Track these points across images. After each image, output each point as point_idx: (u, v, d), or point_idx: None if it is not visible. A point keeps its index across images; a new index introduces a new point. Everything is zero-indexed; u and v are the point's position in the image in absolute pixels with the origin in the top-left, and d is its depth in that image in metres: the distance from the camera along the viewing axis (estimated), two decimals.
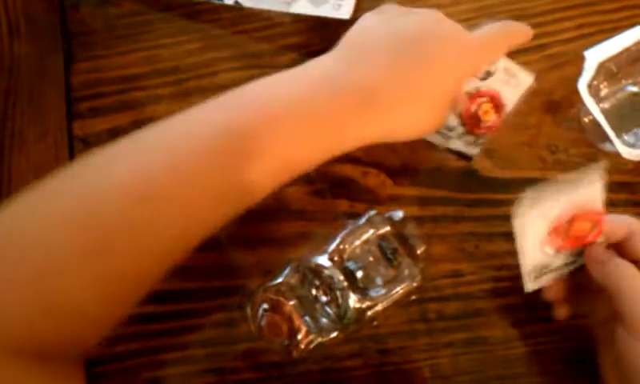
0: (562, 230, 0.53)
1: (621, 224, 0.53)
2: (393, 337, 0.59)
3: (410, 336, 0.59)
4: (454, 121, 0.62)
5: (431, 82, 0.51)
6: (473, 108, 0.62)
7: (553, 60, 0.65)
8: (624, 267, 0.51)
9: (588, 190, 0.52)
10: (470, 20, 0.66)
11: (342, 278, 0.53)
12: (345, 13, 0.63)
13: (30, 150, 0.62)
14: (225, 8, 0.65)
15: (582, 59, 0.60)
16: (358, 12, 0.65)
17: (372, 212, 0.58)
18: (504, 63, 0.62)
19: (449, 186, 0.62)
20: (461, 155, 0.62)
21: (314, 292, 0.55)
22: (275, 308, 0.54)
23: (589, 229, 0.53)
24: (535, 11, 0.66)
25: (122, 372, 0.57)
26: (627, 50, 0.61)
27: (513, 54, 0.64)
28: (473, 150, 0.61)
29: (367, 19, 0.55)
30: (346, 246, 0.56)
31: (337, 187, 0.62)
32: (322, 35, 0.65)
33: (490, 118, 0.61)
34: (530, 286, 0.56)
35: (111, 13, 0.66)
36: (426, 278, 0.58)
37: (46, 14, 0.65)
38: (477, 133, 0.62)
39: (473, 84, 0.62)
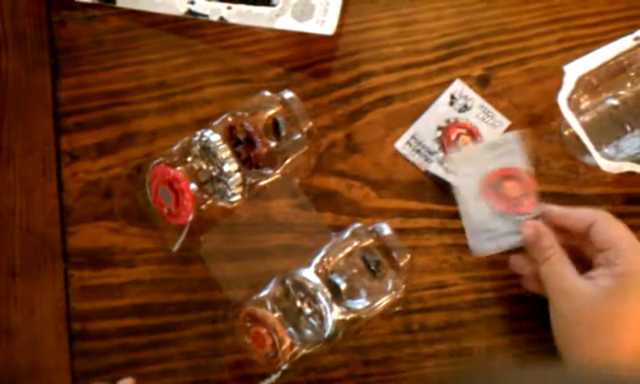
0: (493, 186, 0.58)
1: (582, 217, 0.55)
2: (377, 348, 0.59)
3: (394, 347, 0.59)
4: (435, 145, 0.63)
5: None
6: (452, 136, 0.64)
7: (533, 74, 0.66)
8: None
9: (509, 157, 0.58)
10: (452, 34, 0.67)
11: (325, 290, 0.54)
12: (328, 28, 0.64)
13: (17, 164, 0.62)
14: (210, 24, 0.66)
15: (562, 73, 0.61)
16: (342, 27, 0.66)
17: (356, 224, 0.58)
18: (479, 101, 0.63)
19: (431, 199, 0.62)
20: (440, 183, 0.63)
21: (298, 304, 0.55)
22: (260, 320, 0.54)
23: (520, 192, 0.58)
24: (516, 26, 0.67)
25: None
26: (607, 63, 0.62)
27: (493, 67, 0.66)
28: (453, 180, 0.63)
29: None
30: (330, 259, 0.56)
31: (321, 200, 0.62)
32: (306, 50, 0.66)
33: None
34: (471, 242, 0.59)
35: (98, 28, 0.66)
36: (410, 290, 0.58)
37: (33, 30, 0.66)
38: None
39: (451, 114, 0.63)
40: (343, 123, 0.64)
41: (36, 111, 0.64)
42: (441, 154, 0.63)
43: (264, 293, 0.56)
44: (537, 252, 0.55)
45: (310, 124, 0.60)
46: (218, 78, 0.65)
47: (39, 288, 0.60)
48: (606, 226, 0.54)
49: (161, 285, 0.60)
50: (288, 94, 0.60)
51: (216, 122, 0.58)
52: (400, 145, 0.64)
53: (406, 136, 0.64)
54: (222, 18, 0.66)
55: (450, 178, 0.62)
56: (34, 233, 0.61)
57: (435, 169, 0.63)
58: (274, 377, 0.55)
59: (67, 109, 0.64)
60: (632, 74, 0.64)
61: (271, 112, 0.59)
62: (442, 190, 0.63)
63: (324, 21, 0.64)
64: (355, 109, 0.65)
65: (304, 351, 0.54)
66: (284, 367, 0.54)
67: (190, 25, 0.66)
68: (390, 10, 0.68)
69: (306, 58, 0.66)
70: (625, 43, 0.62)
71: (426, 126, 0.64)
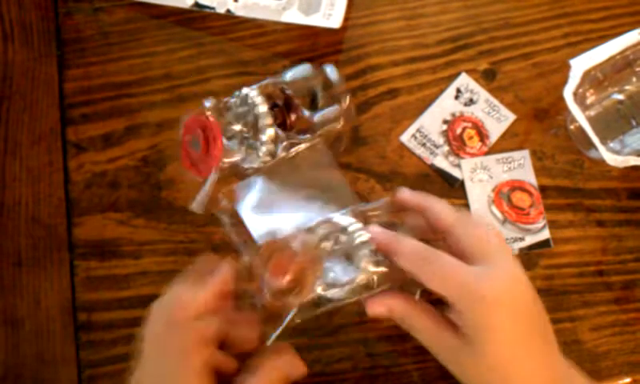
0: (505, 196, 0.62)
1: (439, 218, 0.51)
2: (382, 341, 0.59)
3: (399, 340, 0.59)
4: (440, 139, 0.63)
5: None
6: (458, 130, 0.64)
7: (539, 68, 0.66)
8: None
9: (520, 170, 0.63)
10: (458, 28, 0.67)
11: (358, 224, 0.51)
12: (334, 22, 0.64)
13: (24, 154, 0.63)
14: (217, 16, 0.66)
15: (568, 67, 0.61)
16: (348, 21, 0.66)
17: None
18: (485, 95, 0.63)
19: (436, 192, 0.62)
20: (445, 177, 0.63)
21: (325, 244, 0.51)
22: (281, 249, 0.50)
23: (528, 203, 0.62)
24: (522, 20, 0.68)
25: (114, 375, 0.58)
26: (613, 58, 0.62)
27: (499, 61, 0.66)
28: (457, 174, 0.63)
29: None
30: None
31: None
32: (312, 43, 0.66)
33: (475, 144, 0.63)
34: None
35: (104, 20, 0.66)
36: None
37: (40, 21, 0.66)
38: (462, 155, 0.63)
39: (456, 107, 0.64)
40: None
41: (42, 102, 0.64)
42: (446, 148, 0.64)
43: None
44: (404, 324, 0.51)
45: (348, 100, 0.60)
46: (224, 71, 0.65)
47: (45, 278, 0.60)
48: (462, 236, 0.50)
49: (167, 276, 0.59)
50: (329, 68, 0.60)
51: (257, 85, 0.57)
52: (405, 138, 0.64)
53: (412, 129, 0.64)
54: (228, 11, 0.66)
55: (456, 174, 0.63)
56: (40, 223, 0.61)
57: (440, 162, 0.63)
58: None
59: (73, 100, 0.64)
60: (638, 69, 0.64)
61: (311, 84, 0.59)
62: (447, 183, 0.63)
63: (330, 14, 0.64)
64: (361, 101, 0.65)
65: (327, 294, 0.50)
66: (294, 311, 0.50)
67: (197, 17, 0.67)
68: (396, 4, 0.68)
69: (312, 50, 0.66)
70: (631, 38, 0.62)
71: (431, 120, 0.64)
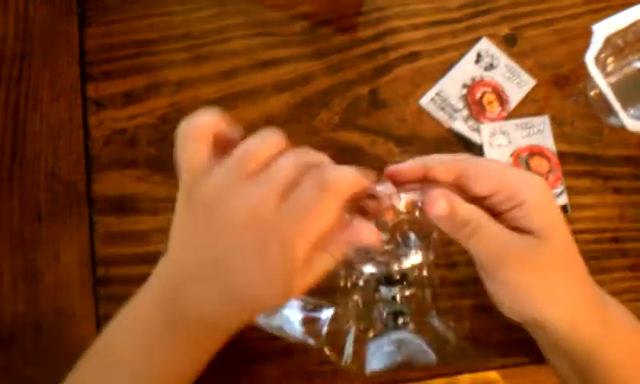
0: (522, 160, 0.62)
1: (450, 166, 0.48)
2: None
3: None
4: (459, 103, 0.63)
5: None
6: (477, 95, 0.64)
7: (560, 34, 0.66)
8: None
9: (539, 136, 0.63)
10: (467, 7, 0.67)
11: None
12: None
13: (44, 110, 0.63)
14: None
15: (589, 35, 0.61)
16: None
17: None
18: (505, 60, 0.63)
19: None
20: (464, 141, 0.63)
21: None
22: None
23: (547, 169, 0.62)
24: None
25: None
26: (635, 24, 0.62)
27: (520, 26, 0.66)
28: (475, 138, 0.63)
29: None
30: None
31: (344, 155, 0.62)
32: (332, 5, 0.66)
33: (495, 109, 0.63)
34: None
35: None
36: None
37: None
38: (481, 120, 0.63)
39: (476, 72, 0.63)
40: (368, 78, 0.64)
41: (63, 59, 0.64)
42: (465, 112, 0.63)
43: None
44: (457, 227, 0.47)
45: None
46: (245, 31, 0.65)
47: (64, 233, 0.60)
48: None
49: None
50: None
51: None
52: (425, 101, 0.64)
53: (431, 93, 0.64)
54: None
55: (474, 138, 0.63)
56: (60, 179, 0.61)
57: (459, 126, 0.63)
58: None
59: (94, 58, 0.64)
60: None
61: None
62: (466, 147, 0.63)
63: None
64: (381, 64, 0.65)
65: None
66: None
67: None
68: None
69: (332, 12, 0.66)
70: None
71: (451, 84, 0.64)
